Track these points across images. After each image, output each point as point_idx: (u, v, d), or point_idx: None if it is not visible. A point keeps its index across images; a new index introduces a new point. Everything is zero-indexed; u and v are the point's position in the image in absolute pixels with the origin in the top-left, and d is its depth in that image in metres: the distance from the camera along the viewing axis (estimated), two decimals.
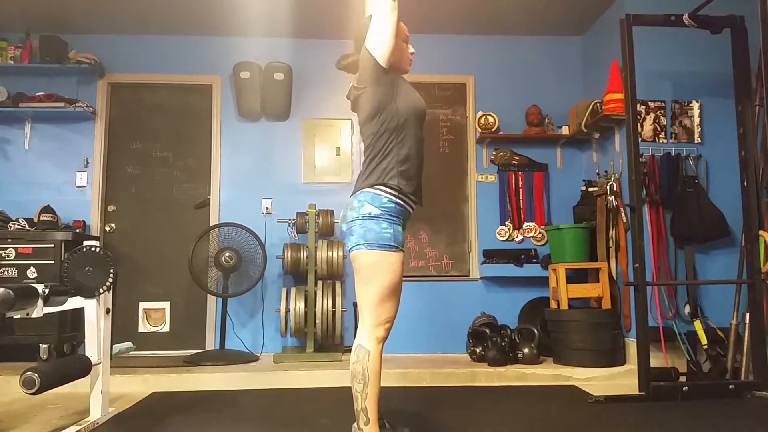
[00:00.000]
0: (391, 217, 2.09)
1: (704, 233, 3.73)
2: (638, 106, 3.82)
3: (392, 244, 2.06)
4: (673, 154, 3.87)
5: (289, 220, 4.43)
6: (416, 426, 2.61)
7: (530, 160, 4.72)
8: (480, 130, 4.62)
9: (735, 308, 3.55)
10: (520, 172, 4.71)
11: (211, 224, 4.61)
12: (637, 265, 3.23)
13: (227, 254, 4.18)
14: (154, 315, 4.62)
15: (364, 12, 2.34)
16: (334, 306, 4.14)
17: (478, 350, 4.01)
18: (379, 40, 2.10)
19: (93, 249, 2.58)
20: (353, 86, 2.25)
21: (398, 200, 2.11)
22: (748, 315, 3.35)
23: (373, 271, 2.06)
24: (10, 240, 3.81)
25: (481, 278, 4.60)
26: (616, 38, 3.48)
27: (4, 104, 4.43)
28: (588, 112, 4.26)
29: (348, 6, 4.28)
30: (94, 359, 2.63)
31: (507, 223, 4.67)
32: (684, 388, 3.16)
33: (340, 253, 4.22)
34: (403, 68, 2.30)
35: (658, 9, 3.47)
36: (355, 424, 2.25)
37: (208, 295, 4.57)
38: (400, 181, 2.12)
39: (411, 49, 2.34)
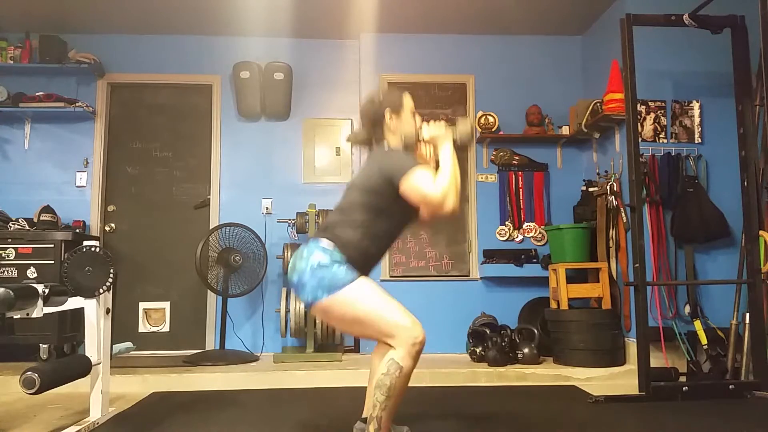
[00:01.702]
0: (341, 262, 2.01)
1: (704, 233, 3.73)
2: (638, 106, 3.82)
3: (350, 279, 1.99)
4: (673, 154, 3.87)
5: (289, 220, 4.43)
6: (416, 426, 2.61)
7: (530, 160, 4.72)
8: (480, 130, 4.62)
9: (735, 308, 3.55)
10: (520, 172, 4.70)
11: (210, 224, 4.62)
12: (637, 265, 3.23)
13: (235, 255, 4.18)
14: (154, 315, 4.61)
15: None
16: None
17: (478, 350, 4.00)
18: (410, 195, 2.01)
19: (93, 249, 2.58)
20: (370, 154, 2.21)
21: (350, 261, 2.04)
22: (748, 315, 3.34)
23: (350, 310, 1.99)
24: (10, 240, 3.81)
25: (481, 278, 4.60)
26: (617, 38, 3.48)
27: (4, 104, 4.44)
28: (588, 111, 4.26)
29: (348, 6, 4.29)
30: (94, 359, 2.63)
31: (507, 223, 4.67)
32: (684, 388, 3.15)
33: None
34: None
35: (658, 9, 3.47)
36: (359, 424, 2.25)
37: (209, 295, 4.58)
38: (355, 259, 2.04)
39: (418, 122, 2.24)
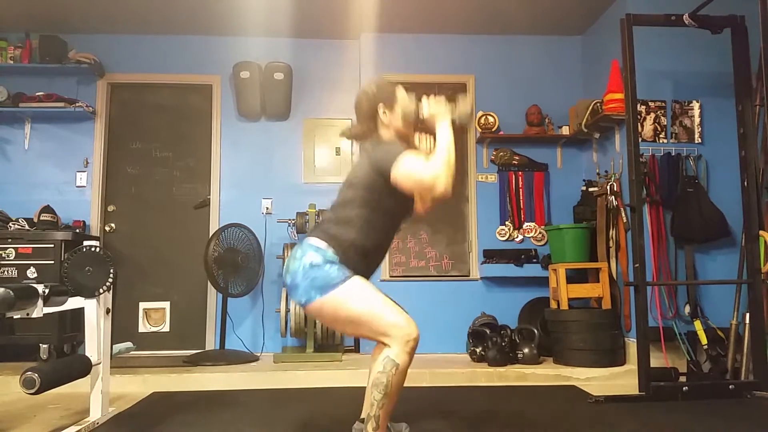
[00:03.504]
0: (334, 262, 2.00)
1: (704, 233, 3.73)
2: (638, 106, 3.82)
3: (342, 278, 1.98)
4: (673, 154, 3.87)
5: (289, 220, 4.43)
6: (416, 426, 2.61)
7: (530, 160, 4.72)
8: (480, 130, 4.62)
9: (735, 308, 3.55)
10: (520, 172, 4.70)
11: (211, 224, 4.62)
12: (637, 265, 3.23)
13: (239, 256, 4.20)
14: (154, 315, 4.61)
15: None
16: None
17: (478, 350, 4.01)
18: (402, 181, 1.98)
19: (93, 249, 2.58)
20: (362, 147, 2.19)
21: (343, 263, 2.03)
22: (748, 315, 3.34)
23: (343, 310, 1.97)
24: (10, 240, 3.80)
25: (481, 278, 4.60)
26: (617, 38, 3.48)
27: (4, 104, 4.43)
28: (588, 112, 4.26)
29: (348, 6, 4.29)
30: (94, 359, 2.63)
31: (507, 223, 4.67)
32: (684, 388, 3.16)
33: None
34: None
35: (658, 9, 3.47)
36: (357, 424, 2.25)
37: (209, 295, 4.58)
38: (352, 258, 2.04)
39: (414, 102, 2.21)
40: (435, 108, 2.11)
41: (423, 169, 1.93)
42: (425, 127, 2.18)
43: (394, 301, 2.08)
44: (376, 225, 2.07)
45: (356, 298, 1.97)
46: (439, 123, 2.08)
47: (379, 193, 2.05)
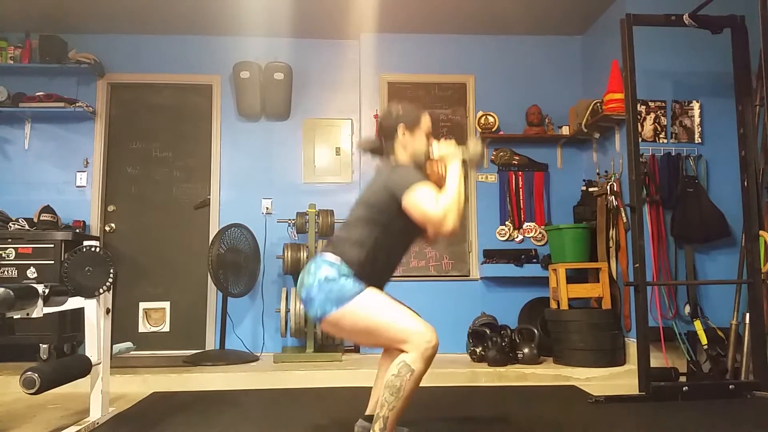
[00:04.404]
0: (348, 275, 2.01)
1: (704, 233, 3.73)
2: (638, 106, 3.82)
3: (358, 290, 1.99)
4: (673, 154, 3.87)
5: (289, 220, 4.43)
6: (416, 426, 2.61)
7: (530, 160, 4.72)
8: (480, 130, 4.62)
9: (735, 308, 3.55)
10: (520, 172, 4.70)
11: (211, 224, 4.63)
12: (637, 265, 3.23)
13: (241, 256, 4.21)
14: (154, 315, 4.61)
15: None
16: None
17: (478, 350, 4.00)
18: (411, 211, 2.01)
19: (93, 249, 2.58)
20: (378, 168, 2.22)
21: (357, 276, 2.04)
22: (748, 315, 3.34)
23: (361, 321, 1.98)
24: (10, 240, 3.80)
25: (481, 278, 4.60)
26: (617, 38, 3.48)
27: (4, 104, 4.43)
28: (588, 112, 4.26)
29: (348, 6, 4.29)
30: (94, 359, 2.63)
31: (507, 223, 4.67)
32: (684, 388, 3.15)
33: None
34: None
35: (658, 9, 3.47)
36: (361, 422, 2.25)
37: (209, 295, 4.58)
38: (363, 273, 2.04)
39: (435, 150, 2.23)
40: (445, 149, 2.16)
41: (432, 205, 1.97)
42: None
43: (411, 309, 2.09)
44: (385, 245, 2.10)
45: (373, 308, 1.99)
46: (450, 164, 2.13)
47: (391, 215, 2.07)
